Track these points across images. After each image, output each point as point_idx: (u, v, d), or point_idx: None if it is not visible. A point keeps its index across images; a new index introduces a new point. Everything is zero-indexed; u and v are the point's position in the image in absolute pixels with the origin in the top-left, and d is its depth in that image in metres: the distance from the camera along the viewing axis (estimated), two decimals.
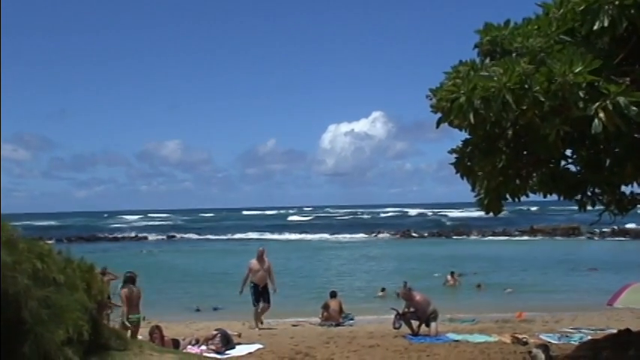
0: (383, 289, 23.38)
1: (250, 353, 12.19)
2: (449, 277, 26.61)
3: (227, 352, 12.36)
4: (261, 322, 16.36)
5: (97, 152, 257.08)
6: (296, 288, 26.82)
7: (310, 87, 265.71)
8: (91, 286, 6.72)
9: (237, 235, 67.42)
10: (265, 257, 16.61)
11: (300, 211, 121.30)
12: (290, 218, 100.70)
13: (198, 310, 20.98)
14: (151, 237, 67.59)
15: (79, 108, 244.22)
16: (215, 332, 12.88)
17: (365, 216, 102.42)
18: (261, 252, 16.65)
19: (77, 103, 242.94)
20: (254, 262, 16.44)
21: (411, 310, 14.54)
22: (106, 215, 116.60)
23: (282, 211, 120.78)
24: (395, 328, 14.60)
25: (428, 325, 14.30)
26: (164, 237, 67.58)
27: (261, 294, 16.26)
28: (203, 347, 12.31)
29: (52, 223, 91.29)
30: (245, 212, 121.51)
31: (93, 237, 66.56)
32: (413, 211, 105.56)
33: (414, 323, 14.46)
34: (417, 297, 14.60)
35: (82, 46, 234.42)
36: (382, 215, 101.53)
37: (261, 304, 16.26)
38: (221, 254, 45.71)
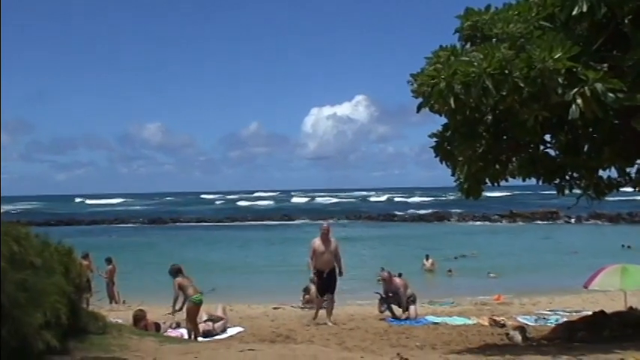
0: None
1: (231, 336, 12.19)
2: (425, 261, 26.84)
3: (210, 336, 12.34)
4: (331, 322, 13.28)
5: (78, 135, 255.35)
6: (277, 272, 26.88)
7: (293, 70, 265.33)
8: (69, 270, 6.68)
9: (219, 221, 67.00)
10: (331, 237, 13.62)
11: (281, 194, 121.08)
12: (272, 202, 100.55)
13: None
14: (132, 221, 67.21)
15: (57, 90, 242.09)
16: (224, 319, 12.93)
17: (347, 199, 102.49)
18: (327, 230, 13.58)
19: (56, 85, 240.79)
20: (317, 243, 13.42)
21: (390, 294, 14.66)
22: (86, 198, 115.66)
23: (264, 194, 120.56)
24: (380, 312, 14.74)
25: (407, 309, 14.43)
26: (144, 220, 67.20)
27: (326, 283, 13.44)
28: (183, 330, 12.28)
29: (31, 206, 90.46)
30: (228, 196, 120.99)
31: (72, 220, 66.09)
32: (394, 195, 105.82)
33: (396, 310, 14.55)
34: (397, 281, 14.76)
35: (62, 28, 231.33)
36: (364, 199, 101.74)
37: (327, 296, 13.49)
38: (202, 240, 45.67)
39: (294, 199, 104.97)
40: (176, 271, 12.10)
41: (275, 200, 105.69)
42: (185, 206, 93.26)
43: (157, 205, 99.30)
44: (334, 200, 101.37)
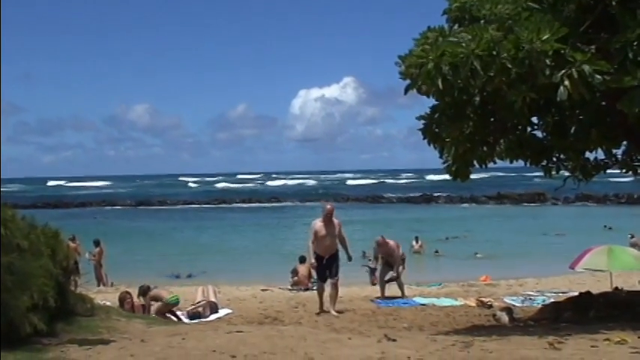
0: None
1: (219, 318, 12.21)
2: (414, 242, 26.94)
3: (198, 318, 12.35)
4: (335, 310, 12.14)
5: (64, 117, 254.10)
6: (266, 253, 26.96)
7: (281, 51, 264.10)
8: (56, 252, 6.65)
9: (207, 203, 66.78)
10: (335, 218, 12.27)
11: (269, 177, 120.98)
12: (260, 184, 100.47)
13: (177, 277, 21.06)
14: (119, 203, 66.98)
15: (44, 72, 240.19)
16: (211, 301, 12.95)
17: (335, 181, 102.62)
18: (330, 210, 12.22)
19: (43, 67, 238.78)
20: (318, 225, 12.09)
21: (382, 256, 14.85)
22: (72, 180, 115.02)
23: (250, 176, 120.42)
24: (373, 284, 14.93)
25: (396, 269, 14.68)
26: (132, 202, 66.97)
27: (327, 269, 12.12)
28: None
29: (18, 188, 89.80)
30: (216, 177, 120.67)
31: (59, 203, 65.75)
32: (382, 177, 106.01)
33: (387, 289, 14.70)
34: (391, 242, 14.93)
35: (49, 9, 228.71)
36: (352, 181, 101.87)
37: (328, 282, 12.11)
38: (190, 222, 45.65)
39: (282, 181, 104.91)
40: (146, 290, 12.26)
41: (263, 182, 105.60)
42: (173, 188, 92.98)
43: (145, 187, 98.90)
44: (322, 182, 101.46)
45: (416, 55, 7.71)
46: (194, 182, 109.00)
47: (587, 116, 8.50)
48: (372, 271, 15.05)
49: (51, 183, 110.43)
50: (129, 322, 7.77)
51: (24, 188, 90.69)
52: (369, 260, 17.90)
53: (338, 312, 12.10)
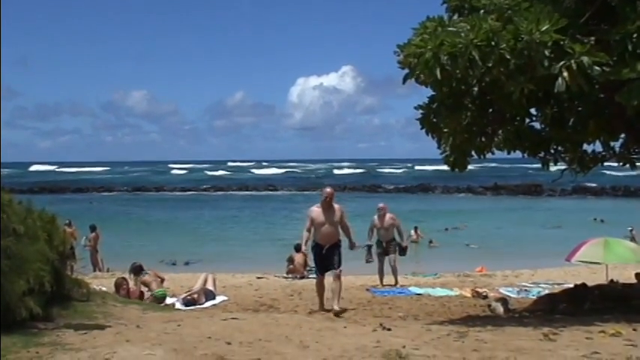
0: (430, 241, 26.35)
1: (215, 305, 12.23)
2: (412, 232, 26.96)
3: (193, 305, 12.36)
4: (337, 307, 10.70)
5: (62, 102, 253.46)
6: (262, 241, 26.99)
7: (280, 39, 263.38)
8: (52, 237, 6.66)
9: (204, 190, 66.71)
10: (335, 203, 11.06)
11: (264, 164, 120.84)
12: (256, 171, 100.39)
13: (174, 264, 21.10)
14: (116, 189, 66.91)
15: (41, 56, 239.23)
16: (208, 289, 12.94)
17: (332, 170, 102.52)
18: (329, 194, 10.98)
19: (39, 51, 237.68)
20: (316, 211, 10.91)
21: (376, 230, 15.20)
22: (69, 166, 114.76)
23: (248, 164, 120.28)
24: (367, 262, 15.10)
25: (388, 253, 14.99)
26: (129, 189, 66.92)
27: (327, 259, 10.88)
28: (172, 299, 12.30)
29: (15, 172, 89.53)
30: (211, 165, 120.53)
31: (56, 188, 65.66)
32: (379, 166, 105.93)
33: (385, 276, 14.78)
34: (389, 215, 15.49)
35: None
36: (349, 170, 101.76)
37: (330, 273, 10.92)
38: (187, 208, 45.59)
39: (278, 169, 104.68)
40: (138, 269, 12.24)
41: (259, 169, 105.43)
42: (168, 175, 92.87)
43: (141, 173, 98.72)
44: (318, 171, 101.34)
45: (414, 45, 7.67)
46: (188, 169, 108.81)
47: (585, 108, 8.50)
48: (369, 248, 15.10)
49: (45, 168, 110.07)
50: (125, 307, 7.79)
51: (19, 173, 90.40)
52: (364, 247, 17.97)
53: (341, 310, 10.70)
